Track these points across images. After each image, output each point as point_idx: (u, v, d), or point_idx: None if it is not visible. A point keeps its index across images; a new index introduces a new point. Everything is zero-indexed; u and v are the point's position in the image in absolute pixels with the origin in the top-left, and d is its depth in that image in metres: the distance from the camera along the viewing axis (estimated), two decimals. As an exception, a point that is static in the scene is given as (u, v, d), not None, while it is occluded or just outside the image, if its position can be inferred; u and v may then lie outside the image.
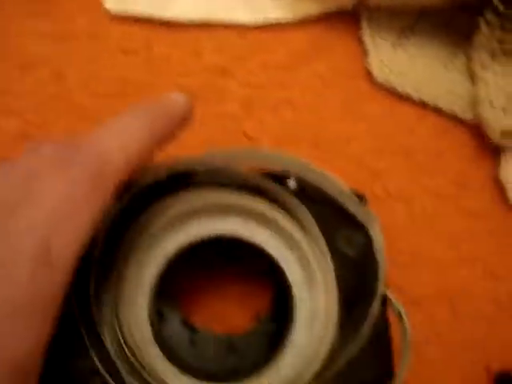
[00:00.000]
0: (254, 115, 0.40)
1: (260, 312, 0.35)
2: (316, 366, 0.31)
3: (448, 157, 0.41)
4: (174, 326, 0.34)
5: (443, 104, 0.41)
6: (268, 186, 0.33)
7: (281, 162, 0.34)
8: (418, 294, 0.38)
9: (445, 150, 0.41)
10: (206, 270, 0.35)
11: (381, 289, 0.33)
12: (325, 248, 0.32)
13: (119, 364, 0.29)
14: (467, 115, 0.41)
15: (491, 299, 0.38)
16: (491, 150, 0.41)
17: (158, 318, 0.33)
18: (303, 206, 0.33)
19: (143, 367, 0.30)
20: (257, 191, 0.33)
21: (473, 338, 0.37)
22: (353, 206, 0.34)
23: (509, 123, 0.40)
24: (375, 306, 0.32)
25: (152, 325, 0.31)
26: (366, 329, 0.32)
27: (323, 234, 0.33)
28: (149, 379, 0.30)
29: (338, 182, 0.35)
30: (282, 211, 0.33)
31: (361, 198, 0.35)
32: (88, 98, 0.39)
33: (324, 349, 0.31)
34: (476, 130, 0.41)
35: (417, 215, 0.39)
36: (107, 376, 0.29)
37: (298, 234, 0.33)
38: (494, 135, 0.40)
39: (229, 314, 0.36)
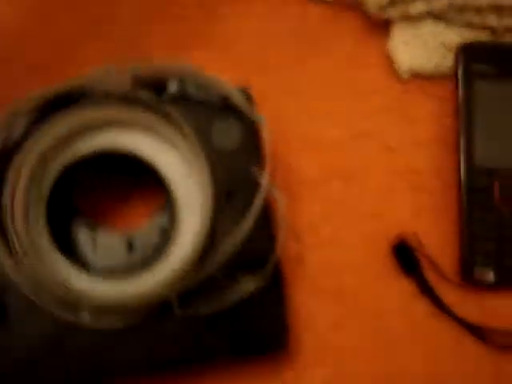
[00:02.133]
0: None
1: (154, 209, 0.38)
2: (195, 255, 0.34)
3: (338, 40, 0.42)
4: (76, 230, 0.37)
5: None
6: (143, 96, 0.35)
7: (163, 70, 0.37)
8: (312, 175, 0.40)
9: (333, 35, 0.42)
10: (106, 180, 0.38)
11: (265, 181, 0.35)
12: (198, 146, 0.35)
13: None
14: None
15: (386, 170, 0.40)
16: (380, 29, 0.42)
17: (58, 225, 0.36)
18: (177, 112, 0.35)
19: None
20: (135, 102, 0.36)
21: (371, 210, 0.40)
22: (237, 100, 0.36)
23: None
24: (259, 197, 0.35)
25: (50, 232, 0.35)
26: (250, 219, 0.35)
27: (201, 131, 0.36)
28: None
29: (220, 80, 0.37)
30: (158, 118, 0.35)
31: (247, 93, 0.37)
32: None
33: (200, 240, 0.34)
34: (362, 14, 0.42)
35: (307, 100, 0.41)
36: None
37: (174, 136, 0.35)
38: (373, 9, 0.41)
39: (127, 215, 0.39)
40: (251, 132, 0.36)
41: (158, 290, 0.33)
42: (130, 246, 0.36)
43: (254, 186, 0.35)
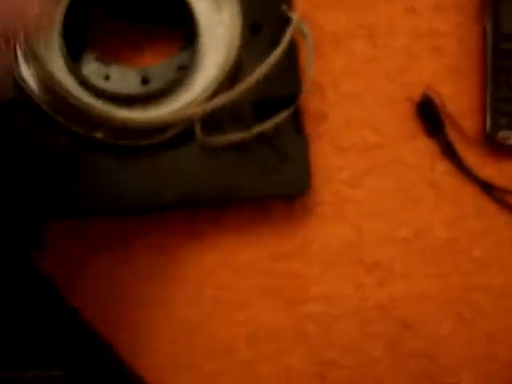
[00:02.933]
0: None
1: (172, 48, 0.36)
2: (219, 87, 0.32)
3: None
4: (89, 64, 0.34)
5: None
6: None
7: None
8: (337, 29, 0.38)
9: None
10: (117, 14, 0.36)
11: (293, 16, 0.34)
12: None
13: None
14: None
15: (409, 32, 0.39)
16: None
17: (73, 59, 0.34)
18: None
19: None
20: None
21: (394, 69, 0.38)
22: None
23: None
24: (288, 32, 0.33)
25: (67, 58, 0.33)
26: (278, 52, 0.33)
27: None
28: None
29: None
30: None
31: None
32: None
33: (224, 72, 0.32)
34: None
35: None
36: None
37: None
38: None
39: (142, 51, 0.36)
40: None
41: (180, 113, 0.31)
42: (145, 81, 0.34)
43: (282, 21, 0.34)
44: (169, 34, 0.36)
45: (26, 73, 0.32)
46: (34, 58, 0.31)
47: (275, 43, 0.33)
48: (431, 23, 0.39)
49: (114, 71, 0.34)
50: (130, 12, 0.35)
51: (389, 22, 0.39)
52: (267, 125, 0.33)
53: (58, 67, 0.32)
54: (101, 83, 0.33)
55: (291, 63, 0.34)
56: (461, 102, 0.38)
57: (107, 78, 0.34)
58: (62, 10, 0.32)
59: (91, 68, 0.34)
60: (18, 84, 0.32)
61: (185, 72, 0.34)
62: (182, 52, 0.35)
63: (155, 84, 0.34)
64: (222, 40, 0.33)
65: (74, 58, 0.33)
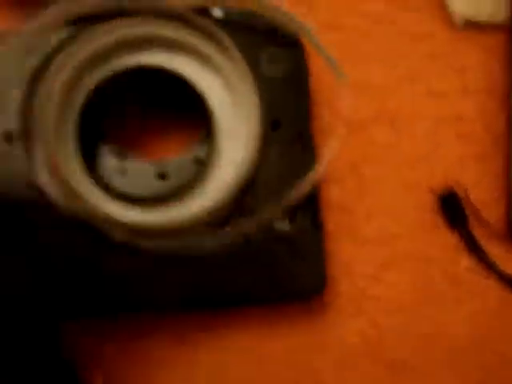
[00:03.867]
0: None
1: (189, 141, 0.36)
2: (237, 187, 0.32)
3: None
4: (104, 157, 0.34)
5: None
6: (187, 15, 0.33)
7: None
8: (358, 117, 0.37)
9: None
10: (135, 106, 0.36)
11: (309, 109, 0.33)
12: (247, 71, 0.32)
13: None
14: None
15: (433, 117, 0.38)
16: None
17: (87, 150, 0.33)
18: (223, 31, 0.32)
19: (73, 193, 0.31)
20: (178, 20, 0.33)
21: (416, 156, 0.37)
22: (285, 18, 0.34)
23: None
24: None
25: (81, 156, 0.32)
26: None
27: (247, 58, 0.33)
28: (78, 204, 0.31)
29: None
30: (203, 38, 0.33)
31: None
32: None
33: (243, 171, 0.32)
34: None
35: (353, 40, 0.38)
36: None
37: (219, 58, 0.33)
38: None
39: (159, 144, 0.36)
40: (300, 60, 0.34)
41: (194, 218, 0.31)
42: (162, 176, 0.34)
43: (302, 117, 0.33)
44: (187, 125, 0.36)
45: (43, 177, 0.31)
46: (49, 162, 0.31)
47: (294, 140, 0.33)
48: (455, 108, 0.38)
49: (130, 165, 0.34)
50: (147, 103, 0.35)
51: (411, 105, 0.38)
52: (286, 226, 0.32)
53: (72, 168, 0.32)
54: (117, 180, 0.33)
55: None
56: (485, 190, 0.37)
57: (123, 172, 0.33)
58: (77, 109, 0.32)
59: (106, 162, 0.34)
60: (34, 184, 0.31)
61: (202, 167, 0.33)
62: (200, 145, 0.34)
63: (173, 180, 0.33)
64: (240, 136, 0.33)
65: (88, 151, 0.33)
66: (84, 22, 0.32)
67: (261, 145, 0.32)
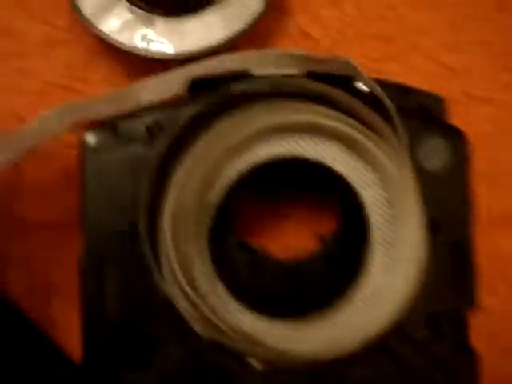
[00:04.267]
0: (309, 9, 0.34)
1: (324, 235, 0.31)
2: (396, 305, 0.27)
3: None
4: (232, 251, 0.30)
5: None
6: (343, 98, 0.28)
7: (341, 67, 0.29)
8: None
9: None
10: (265, 194, 0.32)
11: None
12: (409, 164, 0.28)
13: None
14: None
15: None
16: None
17: (215, 246, 0.29)
18: (381, 118, 0.28)
19: (204, 302, 0.27)
20: (322, 101, 0.28)
21: None
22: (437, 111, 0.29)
23: None
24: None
25: (211, 255, 0.28)
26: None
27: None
28: (208, 314, 0.27)
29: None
30: (356, 125, 0.28)
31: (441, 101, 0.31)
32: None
33: (407, 286, 0.27)
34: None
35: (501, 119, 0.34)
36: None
37: (378, 152, 0.28)
38: None
39: (290, 237, 0.32)
40: (458, 152, 0.30)
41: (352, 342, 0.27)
42: (295, 279, 0.30)
43: (462, 220, 0.29)
44: (320, 212, 0.32)
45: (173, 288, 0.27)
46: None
47: (452, 244, 0.29)
48: None
49: (258, 262, 0.30)
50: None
51: None
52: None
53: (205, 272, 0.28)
54: (247, 284, 0.29)
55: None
56: None
57: (252, 268, 0.29)
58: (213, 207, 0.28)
59: (235, 259, 0.29)
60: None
61: (341, 271, 0.29)
62: (334, 241, 0.30)
63: (308, 287, 0.29)
64: (395, 240, 0.28)
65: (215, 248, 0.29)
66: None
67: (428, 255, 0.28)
